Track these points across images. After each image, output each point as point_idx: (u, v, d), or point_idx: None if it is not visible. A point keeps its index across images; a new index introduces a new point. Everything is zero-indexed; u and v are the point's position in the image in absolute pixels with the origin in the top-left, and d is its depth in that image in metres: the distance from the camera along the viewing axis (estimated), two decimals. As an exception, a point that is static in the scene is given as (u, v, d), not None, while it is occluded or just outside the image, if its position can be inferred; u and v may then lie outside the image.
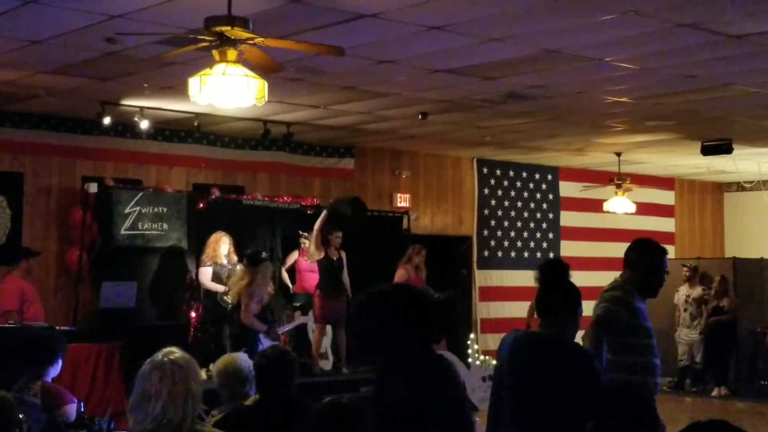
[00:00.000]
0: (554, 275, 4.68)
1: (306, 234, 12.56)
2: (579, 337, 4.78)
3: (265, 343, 9.67)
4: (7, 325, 9.98)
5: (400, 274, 12.78)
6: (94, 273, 12.00)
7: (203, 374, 8.71)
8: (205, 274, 11.67)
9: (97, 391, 9.98)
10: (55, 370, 6.02)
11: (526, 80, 10.10)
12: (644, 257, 5.37)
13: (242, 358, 5.29)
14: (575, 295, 4.57)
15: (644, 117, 12.26)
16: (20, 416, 3.96)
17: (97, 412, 6.09)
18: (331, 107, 11.67)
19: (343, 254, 12.29)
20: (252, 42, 6.84)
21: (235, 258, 11.70)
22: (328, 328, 12.50)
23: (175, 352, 3.84)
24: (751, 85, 10.26)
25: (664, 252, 5.44)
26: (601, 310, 5.19)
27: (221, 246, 11.71)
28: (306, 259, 12.51)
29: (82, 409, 5.62)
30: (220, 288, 11.53)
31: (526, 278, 14.50)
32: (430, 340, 3.49)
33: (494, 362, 14.07)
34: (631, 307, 5.20)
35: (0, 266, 11.46)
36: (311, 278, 12.43)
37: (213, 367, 5.46)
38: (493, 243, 16.64)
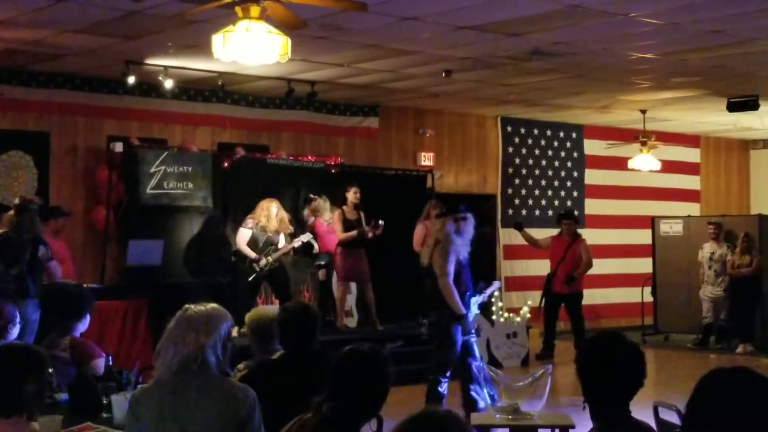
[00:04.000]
0: None
1: (316, 197, 12.51)
2: None
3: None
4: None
5: (418, 231, 12.78)
6: (120, 231, 12.14)
7: (234, 331, 8.86)
8: (243, 236, 11.63)
9: (124, 347, 10.12)
10: (83, 325, 6.11)
11: (551, 36, 10.04)
12: None
13: (272, 312, 5.33)
14: None
15: (670, 73, 12.17)
16: (49, 370, 4.05)
17: (126, 366, 6.16)
18: (354, 65, 11.66)
19: (362, 214, 12.29)
20: (275, -2, 6.84)
21: (274, 225, 11.61)
22: (352, 285, 12.59)
23: (205, 305, 3.90)
24: (778, 40, 10.17)
25: None
26: None
27: (271, 212, 11.63)
28: (323, 222, 12.51)
29: (111, 363, 5.71)
30: (252, 254, 11.53)
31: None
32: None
33: (518, 319, 13.99)
34: None
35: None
36: (330, 240, 12.43)
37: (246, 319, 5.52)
38: (517, 201, 16.63)
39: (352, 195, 12.24)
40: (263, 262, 11.49)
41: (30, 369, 3.76)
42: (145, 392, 3.90)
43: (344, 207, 12.24)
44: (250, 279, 11.53)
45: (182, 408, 3.76)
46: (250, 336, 5.38)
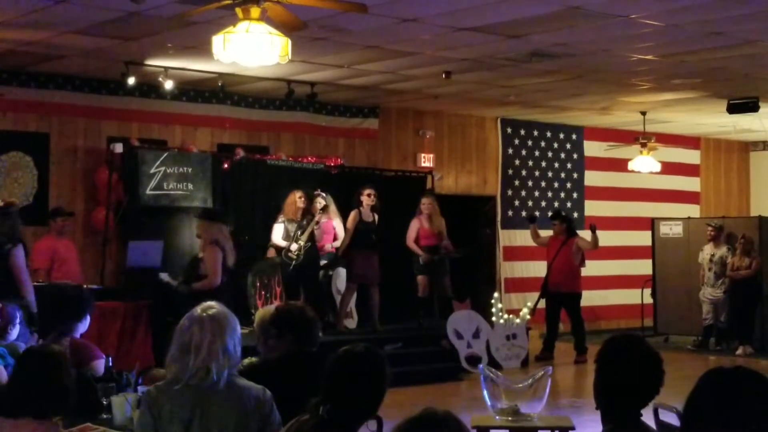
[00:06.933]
0: None
1: (324, 194, 12.40)
2: None
3: None
4: (34, 284, 10.06)
5: (412, 225, 12.79)
6: (120, 232, 12.12)
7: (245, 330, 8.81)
8: (275, 231, 11.92)
9: (124, 348, 10.08)
10: (83, 326, 6.11)
11: (551, 38, 10.04)
12: None
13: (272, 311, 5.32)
14: None
15: (670, 75, 12.17)
16: (71, 370, 4.09)
17: (125, 367, 6.16)
18: (354, 67, 11.66)
19: (377, 216, 12.24)
20: (275, 0, 6.84)
21: (300, 206, 11.90)
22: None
23: (214, 307, 3.91)
24: (778, 41, 10.17)
25: None
26: None
27: (296, 201, 11.92)
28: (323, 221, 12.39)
29: (111, 364, 5.71)
30: (283, 243, 11.77)
31: (550, 238, 14.49)
32: None
33: (517, 321, 14.00)
34: None
35: (27, 225, 11.59)
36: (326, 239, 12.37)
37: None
38: (517, 203, 16.63)
39: (366, 198, 12.16)
40: (294, 246, 11.70)
41: (62, 370, 3.81)
42: (165, 392, 3.85)
43: (361, 209, 12.17)
44: (290, 268, 11.69)
45: (206, 408, 3.77)
46: (257, 335, 5.37)
